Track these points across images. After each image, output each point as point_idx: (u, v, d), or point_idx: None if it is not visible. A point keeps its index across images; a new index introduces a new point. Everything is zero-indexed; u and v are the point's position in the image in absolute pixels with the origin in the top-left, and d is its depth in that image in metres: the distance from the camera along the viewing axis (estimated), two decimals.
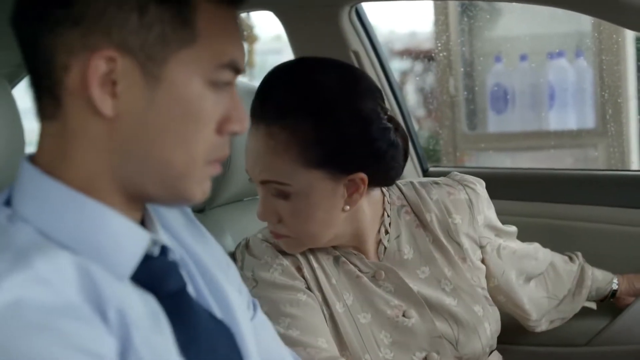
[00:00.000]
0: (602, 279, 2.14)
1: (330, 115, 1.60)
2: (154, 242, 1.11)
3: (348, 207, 1.66)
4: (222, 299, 1.22)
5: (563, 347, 2.29)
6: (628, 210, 2.40)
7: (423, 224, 1.79)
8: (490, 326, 1.78)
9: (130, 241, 1.07)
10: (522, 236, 2.03)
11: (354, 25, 2.53)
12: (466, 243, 1.81)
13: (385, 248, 1.76)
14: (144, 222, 1.14)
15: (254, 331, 1.28)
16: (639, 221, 2.37)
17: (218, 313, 1.19)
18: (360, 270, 1.73)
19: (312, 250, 1.72)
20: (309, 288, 1.69)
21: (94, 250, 1.03)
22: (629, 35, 4.16)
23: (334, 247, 1.74)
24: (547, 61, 4.37)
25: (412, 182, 1.84)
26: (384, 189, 1.79)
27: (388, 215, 1.77)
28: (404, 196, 1.81)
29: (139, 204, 1.12)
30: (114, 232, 1.05)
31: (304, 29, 2.53)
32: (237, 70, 1.09)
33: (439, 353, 1.71)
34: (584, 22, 4.27)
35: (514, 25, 4.62)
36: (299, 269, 1.70)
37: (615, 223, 2.40)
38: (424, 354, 1.71)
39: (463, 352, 1.74)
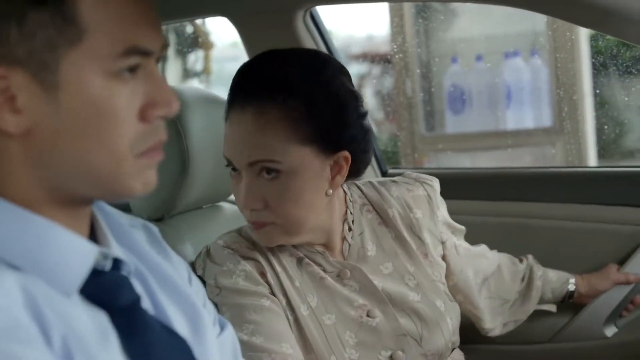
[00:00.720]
0: (556, 280, 2.16)
1: (320, 92, 1.63)
2: (105, 256, 1.08)
3: (331, 191, 1.68)
4: (194, 314, 1.21)
5: (526, 344, 2.31)
6: (585, 206, 2.42)
7: (385, 221, 1.81)
8: (451, 321, 1.79)
9: (76, 255, 1.03)
10: (482, 235, 2.04)
11: (309, 29, 2.52)
12: (428, 238, 1.83)
13: (349, 245, 1.77)
14: (94, 237, 1.11)
15: (219, 348, 1.27)
16: (596, 217, 2.39)
17: (183, 328, 1.17)
18: (324, 270, 1.73)
19: (275, 253, 1.71)
20: (272, 293, 1.68)
21: (40, 267, 1.00)
22: (583, 33, 4.19)
23: (298, 248, 1.73)
24: (502, 61, 4.39)
25: (370, 182, 1.87)
26: (345, 188, 1.80)
27: (351, 213, 1.79)
28: (364, 195, 1.83)
29: (82, 213, 1.09)
30: (59, 247, 1.02)
31: (259, 35, 2.52)
32: (145, 52, 1.04)
33: (404, 351, 1.72)
34: (538, 22, 4.30)
35: (469, 26, 4.64)
36: (263, 274, 1.68)
37: (573, 220, 2.42)
38: (389, 353, 1.71)
39: (427, 348, 1.74)
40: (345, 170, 1.67)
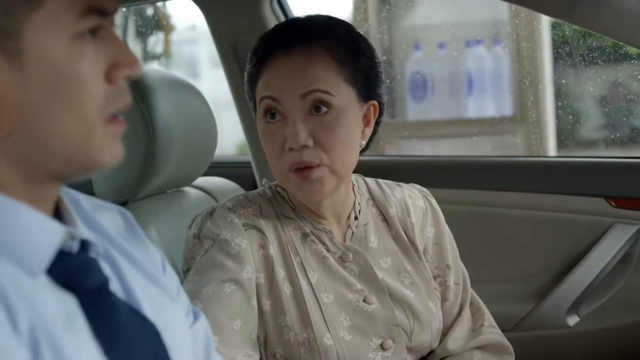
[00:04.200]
0: None
1: (361, 41, 1.73)
2: (72, 236, 1.06)
3: (363, 142, 1.73)
4: (164, 301, 1.20)
5: None
6: (549, 196, 2.44)
7: (386, 219, 1.84)
8: (438, 324, 1.81)
9: (42, 234, 1.01)
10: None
11: (276, 14, 2.51)
12: (420, 244, 1.85)
13: (353, 233, 1.79)
14: (60, 217, 1.09)
15: (193, 338, 1.26)
16: (559, 207, 2.41)
17: (152, 314, 1.15)
18: (327, 250, 1.74)
19: (282, 224, 1.73)
20: (271, 265, 1.68)
21: (5, 246, 0.98)
22: (545, 21, 4.21)
23: (305, 223, 1.75)
24: (465, 49, 4.39)
25: (377, 180, 1.90)
26: (353, 179, 1.84)
27: (358, 203, 1.81)
28: (369, 190, 1.86)
29: (49, 194, 1.07)
30: (24, 225, 1.00)
31: (225, 18, 2.51)
32: (102, 11, 1.02)
33: (395, 341, 1.73)
34: (501, 10, 4.31)
35: (432, 13, 4.64)
36: (262, 246, 1.69)
37: (536, 209, 2.44)
38: (380, 341, 1.72)
39: (415, 343, 1.76)
40: (372, 124, 1.74)
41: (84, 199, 1.21)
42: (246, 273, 1.66)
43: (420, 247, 1.84)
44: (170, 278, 1.30)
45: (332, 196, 1.73)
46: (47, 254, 1.01)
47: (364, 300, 1.73)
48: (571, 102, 4.32)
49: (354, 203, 1.81)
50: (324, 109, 1.64)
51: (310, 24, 1.71)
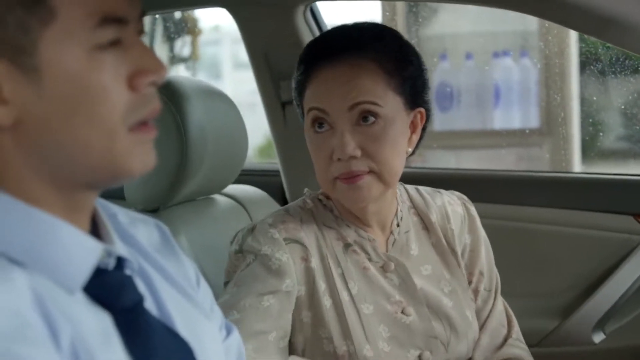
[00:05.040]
0: None
1: (409, 49, 1.74)
2: (108, 254, 1.06)
3: (410, 150, 1.74)
4: (198, 317, 1.20)
5: None
6: (577, 212, 2.43)
7: (427, 227, 1.85)
8: (474, 334, 1.82)
9: (80, 252, 1.02)
10: None
11: (309, 24, 2.52)
12: (459, 251, 1.86)
13: (395, 240, 1.79)
14: (97, 234, 1.09)
15: (225, 353, 1.26)
16: (588, 224, 2.40)
17: (185, 330, 1.15)
18: (369, 259, 1.75)
19: (324, 235, 1.74)
20: (312, 278, 1.69)
21: (44, 263, 0.99)
22: (573, 34, 4.20)
23: (348, 232, 1.75)
24: (492, 60, 4.39)
25: (417, 188, 1.91)
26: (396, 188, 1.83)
27: (400, 210, 1.82)
28: (411, 198, 1.87)
29: (83, 207, 1.07)
30: (63, 243, 1.01)
31: (259, 27, 2.51)
32: (119, 20, 1.01)
33: (432, 353, 1.74)
34: (529, 22, 4.31)
35: (460, 23, 4.64)
36: (304, 259, 1.70)
37: (565, 225, 2.43)
38: (418, 352, 1.73)
39: (451, 354, 1.77)
40: (419, 130, 1.75)
41: (121, 213, 1.21)
42: (285, 287, 1.67)
43: (459, 254, 1.85)
44: (204, 292, 1.29)
45: (377, 202, 1.74)
46: (84, 272, 1.02)
47: (402, 312, 1.73)
48: (597, 114, 4.31)
49: (397, 210, 1.81)
50: (372, 119, 1.65)
51: (356, 33, 1.71)
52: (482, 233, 1.91)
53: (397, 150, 1.69)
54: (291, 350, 1.70)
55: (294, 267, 1.68)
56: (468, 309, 1.81)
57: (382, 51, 1.68)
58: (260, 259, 1.67)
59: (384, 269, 1.76)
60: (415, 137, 1.75)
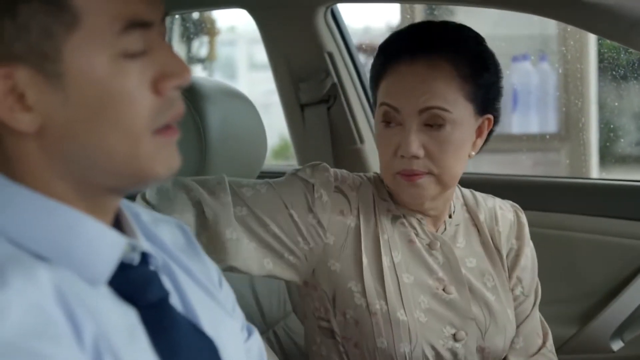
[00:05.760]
0: None
1: (487, 55, 1.74)
2: (133, 248, 1.06)
3: (473, 153, 1.76)
4: (220, 317, 1.20)
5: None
6: (596, 219, 2.42)
7: (476, 225, 1.88)
8: (512, 332, 1.84)
9: (105, 245, 1.02)
10: None
11: (329, 26, 2.51)
12: (504, 253, 1.88)
13: (445, 229, 1.83)
14: (120, 229, 1.09)
15: (246, 354, 1.26)
16: (607, 230, 2.39)
17: (209, 329, 1.15)
18: (417, 235, 1.79)
19: (375, 205, 1.78)
20: (345, 234, 1.74)
21: (68, 257, 0.99)
22: (592, 39, 4.19)
23: (400, 209, 1.79)
24: (511, 64, 4.38)
25: (470, 190, 1.95)
26: None
27: (454, 205, 1.86)
28: (463, 197, 1.91)
29: (108, 207, 1.07)
30: (87, 237, 1.01)
31: (279, 29, 2.51)
32: (144, 24, 1.01)
33: (468, 334, 1.76)
34: (549, 26, 4.29)
35: (478, 26, 4.61)
36: (341, 213, 1.75)
37: (584, 231, 2.42)
38: (453, 331, 1.75)
39: (487, 343, 1.78)
40: (484, 135, 1.77)
41: (144, 213, 1.22)
42: (310, 217, 1.73)
43: (504, 255, 1.87)
44: (226, 293, 1.29)
45: (434, 201, 1.77)
46: (109, 265, 1.02)
47: (444, 290, 1.77)
48: (617, 119, 4.29)
49: (451, 205, 1.85)
50: (439, 123, 1.68)
51: (438, 32, 1.73)
52: (530, 244, 1.93)
53: (460, 154, 1.71)
54: (320, 297, 1.75)
55: (328, 212, 1.73)
56: (509, 308, 1.84)
57: (460, 55, 1.69)
58: (305, 185, 1.75)
59: (429, 247, 1.79)
60: (480, 142, 1.77)
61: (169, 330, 1.07)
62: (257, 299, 2.11)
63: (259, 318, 2.06)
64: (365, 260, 1.73)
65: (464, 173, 1.76)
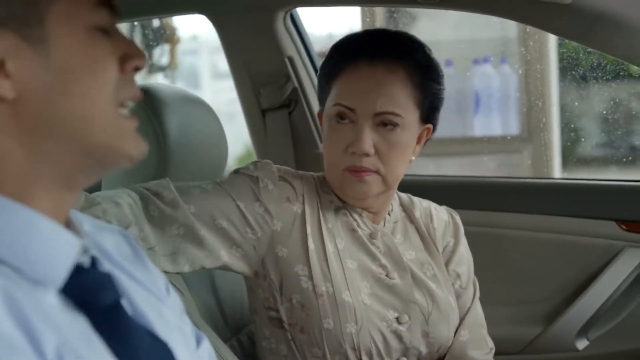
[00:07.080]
0: None
1: (435, 68, 1.82)
2: (84, 250, 1.04)
3: (413, 157, 1.85)
4: (167, 322, 1.18)
5: (497, 355, 2.30)
6: (559, 218, 2.43)
7: (413, 222, 1.95)
8: (456, 321, 1.88)
9: (60, 247, 1.00)
10: None
11: (289, 30, 2.51)
12: (440, 249, 1.94)
13: (384, 225, 1.90)
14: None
15: None
16: (570, 230, 2.40)
17: (159, 332, 1.13)
18: (358, 226, 1.86)
19: (319, 195, 1.86)
20: (292, 220, 1.81)
21: (24, 258, 0.96)
22: (553, 40, 4.21)
23: (344, 203, 1.85)
24: (472, 67, 4.39)
25: (408, 194, 2.02)
26: None
27: (392, 205, 1.93)
28: (400, 198, 1.98)
29: (67, 201, 1.06)
30: (43, 237, 0.98)
31: (239, 34, 2.50)
32: (111, 6, 1.07)
33: (411, 318, 1.81)
34: (509, 28, 4.31)
35: (440, 30, 4.63)
36: (288, 200, 1.82)
37: (547, 231, 2.43)
38: (396, 314, 1.81)
39: (431, 328, 1.83)
40: (422, 142, 1.86)
41: (86, 221, 1.19)
42: (256, 205, 1.78)
43: (440, 250, 1.94)
44: (174, 301, 1.28)
45: (376, 200, 1.84)
46: (64, 269, 1.00)
47: (387, 275, 1.83)
48: (578, 120, 4.31)
49: (390, 204, 1.92)
50: (391, 126, 1.75)
51: (394, 40, 1.81)
52: (464, 241, 2.00)
53: (404, 157, 1.80)
54: (269, 286, 1.80)
55: (275, 200, 1.80)
56: (451, 296, 1.89)
57: (416, 64, 1.78)
58: (250, 178, 1.81)
59: (371, 237, 1.86)
60: (419, 148, 1.86)
61: (124, 334, 1.05)
62: (221, 306, 2.09)
63: (223, 325, 2.04)
64: (311, 244, 1.79)
65: (418, 175, 1.80)
